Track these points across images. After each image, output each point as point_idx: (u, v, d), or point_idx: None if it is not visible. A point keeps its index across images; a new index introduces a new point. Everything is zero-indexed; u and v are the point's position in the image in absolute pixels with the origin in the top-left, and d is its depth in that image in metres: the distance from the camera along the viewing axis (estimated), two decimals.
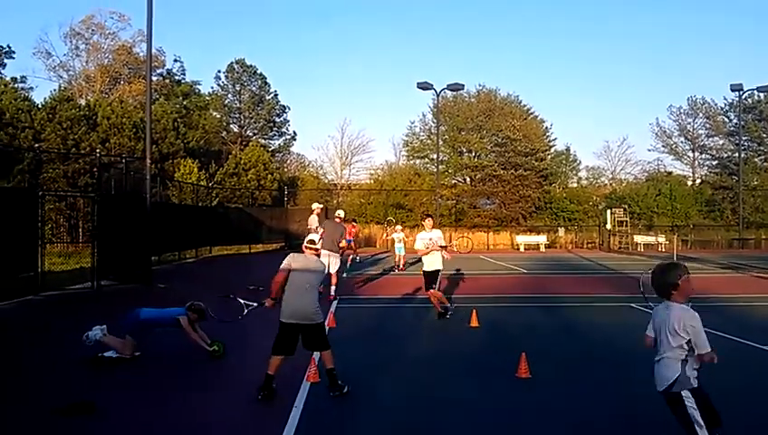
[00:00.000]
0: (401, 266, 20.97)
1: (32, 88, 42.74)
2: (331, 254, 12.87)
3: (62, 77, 46.76)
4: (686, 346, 3.95)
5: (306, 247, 6.70)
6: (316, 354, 7.64)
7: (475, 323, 10.22)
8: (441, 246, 11.17)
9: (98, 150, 19.73)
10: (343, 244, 14.12)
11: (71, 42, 45.97)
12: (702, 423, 3.86)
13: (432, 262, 11.08)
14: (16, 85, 39.52)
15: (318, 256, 6.83)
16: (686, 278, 4.02)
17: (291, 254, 6.65)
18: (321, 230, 13.45)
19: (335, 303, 12.50)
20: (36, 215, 13.57)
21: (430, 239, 11.11)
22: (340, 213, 14.90)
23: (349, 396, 6.25)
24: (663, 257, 28.91)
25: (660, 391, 4.07)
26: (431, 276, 11.08)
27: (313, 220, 16.04)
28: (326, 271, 12.98)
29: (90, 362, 7.45)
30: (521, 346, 7.64)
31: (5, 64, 44.43)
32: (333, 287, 13.13)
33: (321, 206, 17.02)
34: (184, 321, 7.73)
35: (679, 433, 4.04)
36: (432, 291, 11.04)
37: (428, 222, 11.42)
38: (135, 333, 7.67)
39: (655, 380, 4.11)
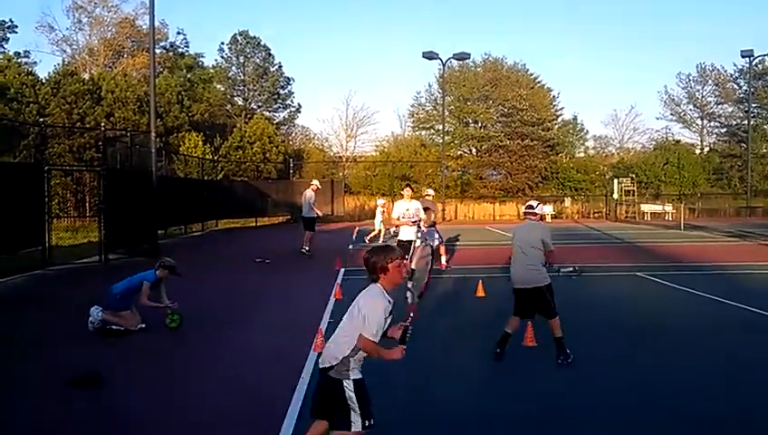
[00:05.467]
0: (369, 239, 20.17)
1: (35, 63, 42.72)
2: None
3: (65, 51, 46.51)
4: None
5: (525, 214, 6.92)
6: (323, 325, 7.72)
7: (481, 292, 10.24)
8: (417, 219, 10.77)
9: (103, 124, 19.70)
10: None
11: (73, 15, 45.58)
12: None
13: (407, 232, 10.79)
14: (20, 60, 39.30)
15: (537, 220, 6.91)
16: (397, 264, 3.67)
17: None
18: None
19: (341, 274, 12.56)
20: (43, 190, 13.62)
21: (407, 210, 10.82)
22: (431, 192, 15.58)
23: None
24: (670, 226, 28.81)
25: None
26: (405, 247, 10.63)
27: (311, 195, 16.45)
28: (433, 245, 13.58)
29: (98, 334, 7.54)
30: None
31: (8, 39, 44.24)
32: (444, 257, 13.66)
33: (318, 183, 17.58)
34: (145, 286, 7.79)
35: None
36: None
37: (407, 192, 11.08)
38: (121, 308, 7.73)
39: None
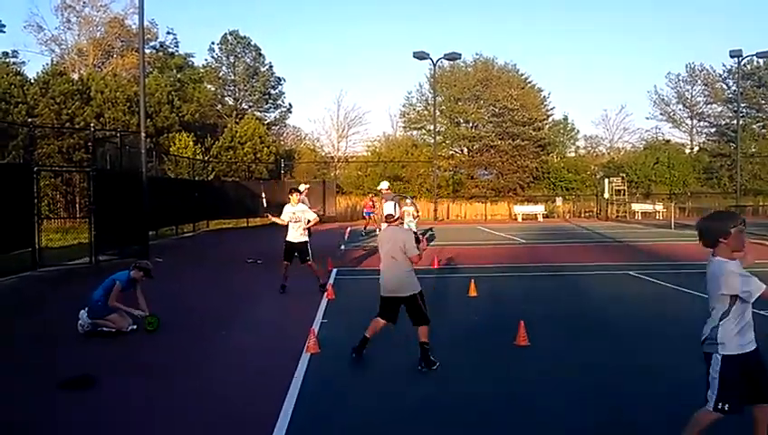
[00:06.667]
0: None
1: (24, 62, 42.19)
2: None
3: (54, 51, 46.12)
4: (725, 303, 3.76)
5: (386, 221, 6.76)
6: (316, 325, 7.72)
7: (473, 292, 10.23)
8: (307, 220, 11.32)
9: (92, 125, 19.54)
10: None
11: (62, 15, 45.23)
12: (716, 392, 3.64)
13: (293, 234, 11.22)
14: (8, 60, 39.09)
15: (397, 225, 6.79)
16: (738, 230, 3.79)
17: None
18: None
19: (334, 274, 12.52)
20: (32, 191, 13.47)
21: (293, 213, 11.22)
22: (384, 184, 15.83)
23: (348, 366, 6.28)
24: (661, 225, 28.94)
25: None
26: (297, 247, 11.14)
27: (304, 199, 16.40)
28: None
29: (88, 336, 7.49)
30: (519, 315, 7.65)
31: None
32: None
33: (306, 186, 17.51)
34: (117, 286, 7.76)
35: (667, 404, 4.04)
36: (309, 263, 11.24)
37: (294, 196, 11.54)
38: (106, 313, 7.67)
39: None
